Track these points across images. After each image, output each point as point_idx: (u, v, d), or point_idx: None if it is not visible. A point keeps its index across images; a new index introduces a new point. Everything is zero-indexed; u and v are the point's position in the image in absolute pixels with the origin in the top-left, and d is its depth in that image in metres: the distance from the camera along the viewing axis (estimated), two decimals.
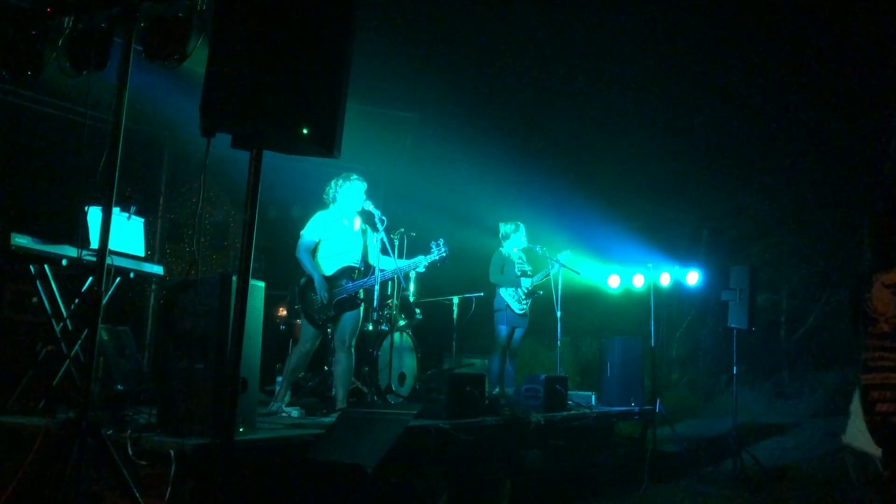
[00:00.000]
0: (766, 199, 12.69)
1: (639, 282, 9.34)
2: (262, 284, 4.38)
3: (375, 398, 6.18)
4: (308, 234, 5.88)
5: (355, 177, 6.01)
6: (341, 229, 5.94)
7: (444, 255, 6.14)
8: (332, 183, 6.04)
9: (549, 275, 7.84)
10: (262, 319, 4.41)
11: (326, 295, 5.73)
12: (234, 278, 3.93)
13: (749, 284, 8.08)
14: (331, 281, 5.81)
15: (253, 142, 2.89)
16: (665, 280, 9.22)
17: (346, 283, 5.80)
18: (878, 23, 9.76)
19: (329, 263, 5.89)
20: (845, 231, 11.98)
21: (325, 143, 2.90)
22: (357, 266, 5.96)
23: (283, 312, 8.09)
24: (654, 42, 10.61)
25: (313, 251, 5.89)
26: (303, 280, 5.90)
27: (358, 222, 6.09)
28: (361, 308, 5.92)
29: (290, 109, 2.81)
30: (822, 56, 10.94)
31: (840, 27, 10.17)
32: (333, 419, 4.81)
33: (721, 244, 12.83)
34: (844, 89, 11.08)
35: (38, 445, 3.50)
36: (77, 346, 4.88)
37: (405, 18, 8.80)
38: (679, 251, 11.62)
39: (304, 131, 2.82)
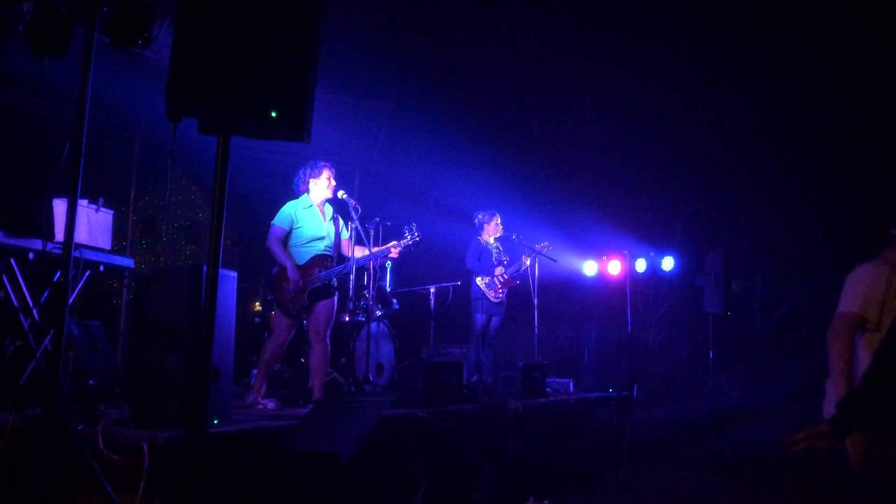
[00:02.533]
0: (740, 187, 12.79)
1: (615, 269, 9.38)
2: (234, 274, 4.32)
3: (352, 389, 6.14)
4: (278, 223, 5.81)
5: (324, 165, 5.96)
6: (312, 218, 5.88)
7: (417, 239, 6.09)
8: (301, 172, 5.98)
9: (524, 264, 7.84)
10: (234, 309, 4.35)
11: (300, 283, 5.68)
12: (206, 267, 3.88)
13: (724, 269, 8.15)
14: (303, 270, 5.75)
15: (220, 126, 2.83)
16: (641, 267, 9.26)
17: (319, 272, 5.75)
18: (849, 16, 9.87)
19: (300, 252, 5.82)
20: (819, 218, 12.12)
21: (295, 127, 2.84)
22: (329, 254, 5.90)
23: (258, 307, 8.03)
24: (628, 35, 10.63)
25: (284, 240, 5.83)
26: (275, 270, 5.84)
27: (329, 211, 6.04)
28: (336, 297, 5.87)
29: (259, 92, 2.75)
30: (793, 47, 11.02)
31: (811, 19, 10.26)
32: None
33: (696, 231, 12.92)
34: (816, 80, 11.18)
35: (5, 441, 3.43)
36: (46, 341, 4.78)
37: (378, 8, 8.73)
38: (655, 239, 11.68)
39: (273, 115, 2.77)
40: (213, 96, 2.72)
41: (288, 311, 5.74)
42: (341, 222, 6.12)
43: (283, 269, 5.75)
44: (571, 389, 8.04)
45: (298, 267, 5.75)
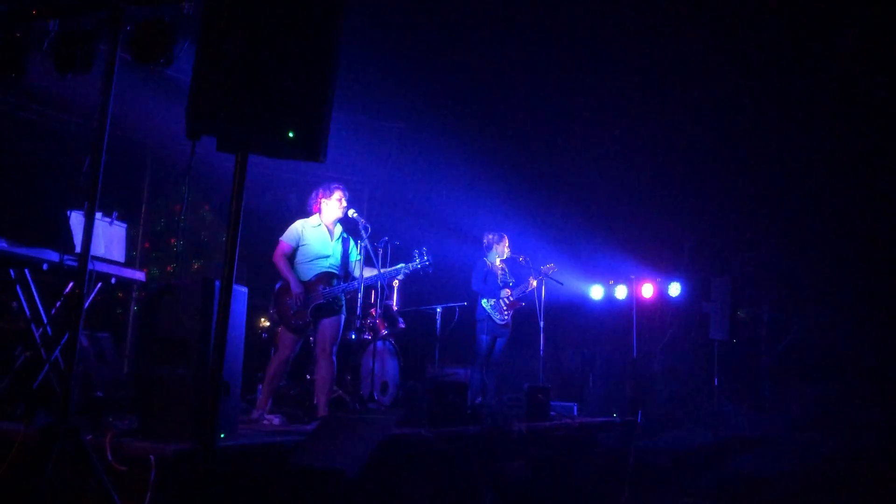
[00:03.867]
0: (748, 214, 12.80)
1: (621, 293, 9.40)
2: (244, 289, 4.37)
3: (357, 406, 6.16)
4: (286, 239, 5.92)
5: (336, 186, 6.05)
6: (318, 237, 5.97)
7: (426, 263, 6.16)
8: (314, 193, 6.10)
9: (531, 286, 7.86)
10: (244, 325, 4.39)
11: (303, 298, 5.73)
12: (217, 282, 3.93)
13: (730, 296, 8.17)
14: (307, 286, 5.82)
15: (238, 145, 2.89)
16: (647, 292, 9.28)
17: (323, 289, 5.81)
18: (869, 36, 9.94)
19: (306, 269, 5.90)
20: (826, 247, 12.12)
21: (311, 148, 2.90)
22: (335, 272, 5.96)
23: (265, 323, 8.07)
24: (639, 62, 10.71)
25: (290, 257, 5.90)
26: (278, 285, 5.91)
27: (338, 230, 6.11)
28: (343, 315, 5.92)
29: (277, 113, 2.82)
30: (801, 76, 11.09)
31: (818, 44, 10.33)
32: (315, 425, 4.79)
33: (703, 258, 12.91)
34: (824, 107, 11.23)
35: (16, 450, 3.46)
36: (57, 352, 4.83)
37: (391, 29, 8.84)
38: (661, 264, 11.69)
39: (291, 135, 2.83)
40: (232, 116, 2.78)
41: (290, 325, 5.80)
42: (351, 243, 6.19)
43: (286, 283, 5.82)
44: (575, 413, 8.03)
45: (302, 283, 5.81)
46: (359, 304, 6.28)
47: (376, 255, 6.33)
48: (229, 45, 2.79)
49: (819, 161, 11.82)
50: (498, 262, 8.00)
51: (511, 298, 7.82)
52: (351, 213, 6.05)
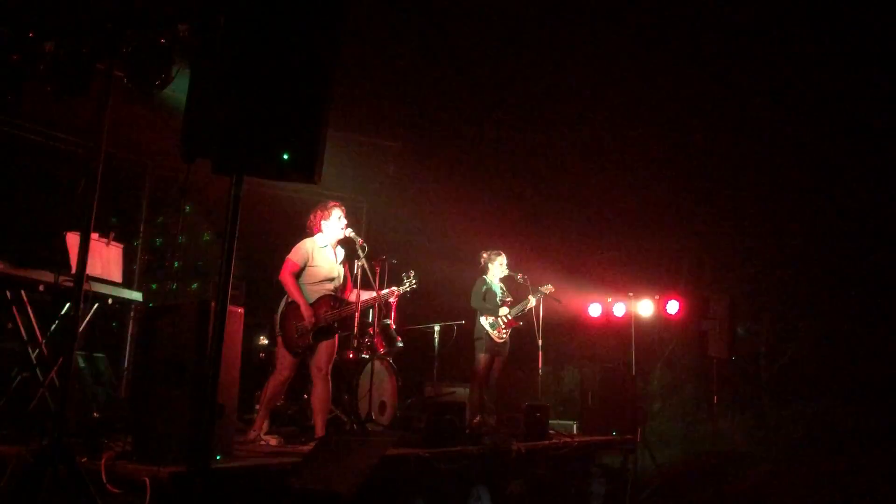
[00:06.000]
0: (746, 230, 12.82)
1: (620, 311, 9.39)
2: (240, 310, 4.36)
3: (355, 427, 6.13)
4: (294, 258, 5.81)
5: (334, 205, 6.01)
6: (326, 258, 5.91)
7: (414, 286, 6.25)
8: (313, 212, 6.04)
9: (529, 305, 7.84)
10: (240, 346, 4.38)
11: (313, 321, 5.69)
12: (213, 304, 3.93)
13: (729, 314, 8.16)
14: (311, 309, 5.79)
15: (233, 167, 2.89)
16: (646, 309, 9.27)
17: (326, 313, 5.77)
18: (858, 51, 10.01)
19: (311, 291, 5.84)
20: (826, 264, 12.13)
21: (306, 169, 2.90)
22: (337, 295, 5.93)
23: (263, 341, 8.04)
24: (632, 79, 10.77)
25: (297, 276, 5.85)
26: (283, 306, 5.85)
27: (339, 251, 6.07)
28: (337, 336, 5.88)
29: (272, 135, 2.81)
30: (797, 90, 11.14)
31: (811, 60, 10.40)
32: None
33: (701, 275, 12.92)
34: (821, 121, 11.28)
35: (10, 472, 3.45)
36: (52, 373, 4.81)
37: (389, 48, 8.89)
38: (659, 282, 11.68)
39: (285, 157, 2.83)
40: (226, 138, 2.78)
41: (292, 348, 5.75)
42: (349, 263, 6.16)
43: (293, 305, 5.75)
44: (574, 432, 7.99)
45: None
46: (356, 324, 6.26)
47: (374, 273, 6.32)
48: (224, 68, 2.80)
49: (817, 177, 11.85)
50: (497, 280, 7.99)
51: (510, 317, 7.80)
52: (348, 232, 6.00)
